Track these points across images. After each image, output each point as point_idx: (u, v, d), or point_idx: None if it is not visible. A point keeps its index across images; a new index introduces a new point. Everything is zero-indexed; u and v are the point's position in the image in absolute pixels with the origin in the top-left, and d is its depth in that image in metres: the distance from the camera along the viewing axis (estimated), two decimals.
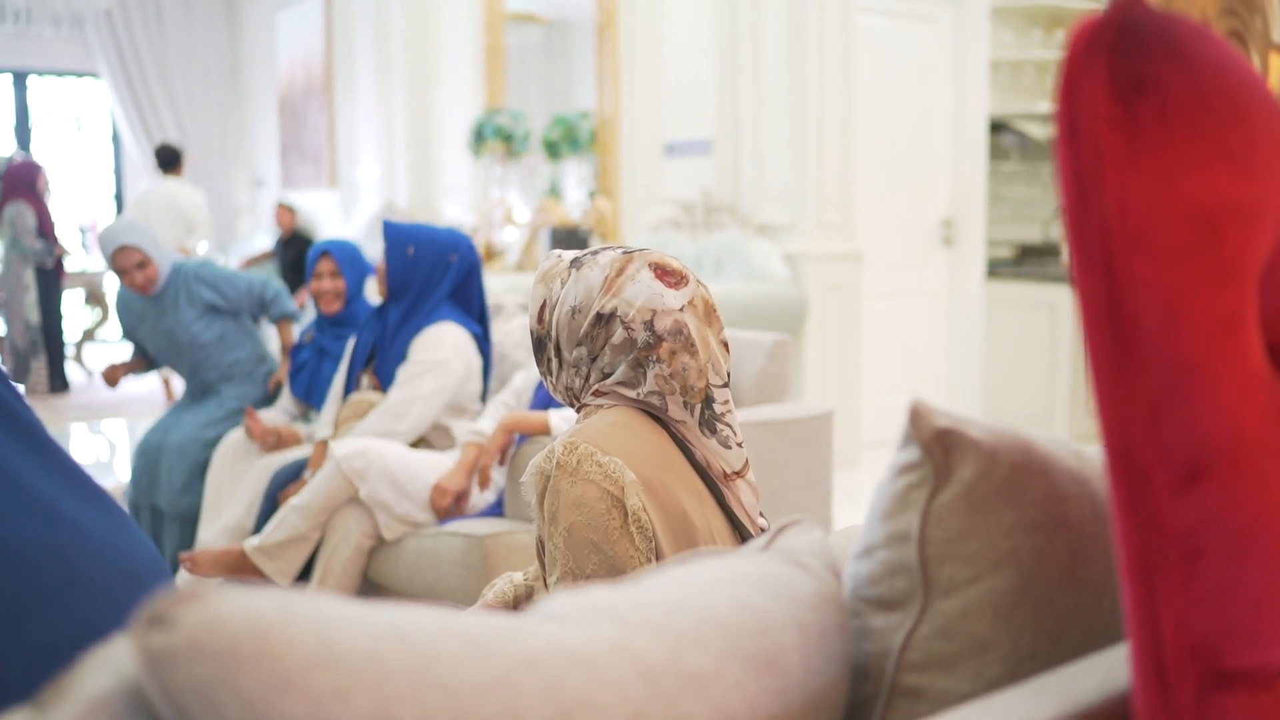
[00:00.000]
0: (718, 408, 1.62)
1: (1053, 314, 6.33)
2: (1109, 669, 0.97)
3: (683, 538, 1.53)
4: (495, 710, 0.77)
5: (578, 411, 1.68)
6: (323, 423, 3.60)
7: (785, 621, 0.97)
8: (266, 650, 0.73)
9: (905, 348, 6.41)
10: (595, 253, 1.65)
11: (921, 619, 1.06)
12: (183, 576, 3.29)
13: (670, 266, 1.63)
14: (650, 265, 1.62)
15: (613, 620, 0.89)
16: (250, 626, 0.74)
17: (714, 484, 1.61)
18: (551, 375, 1.69)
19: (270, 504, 3.52)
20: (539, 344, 1.68)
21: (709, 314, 1.63)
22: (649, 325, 1.58)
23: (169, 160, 7.96)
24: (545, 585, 1.66)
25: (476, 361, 3.51)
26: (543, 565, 1.64)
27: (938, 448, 1.05)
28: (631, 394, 1.60)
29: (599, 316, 1.60)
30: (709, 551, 1.10)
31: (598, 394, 1.63)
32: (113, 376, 4.19)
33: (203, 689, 0.72)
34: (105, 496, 1.20)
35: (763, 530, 1.66)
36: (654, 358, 1.58)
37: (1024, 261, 7.17)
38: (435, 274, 3.49)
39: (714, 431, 1.61)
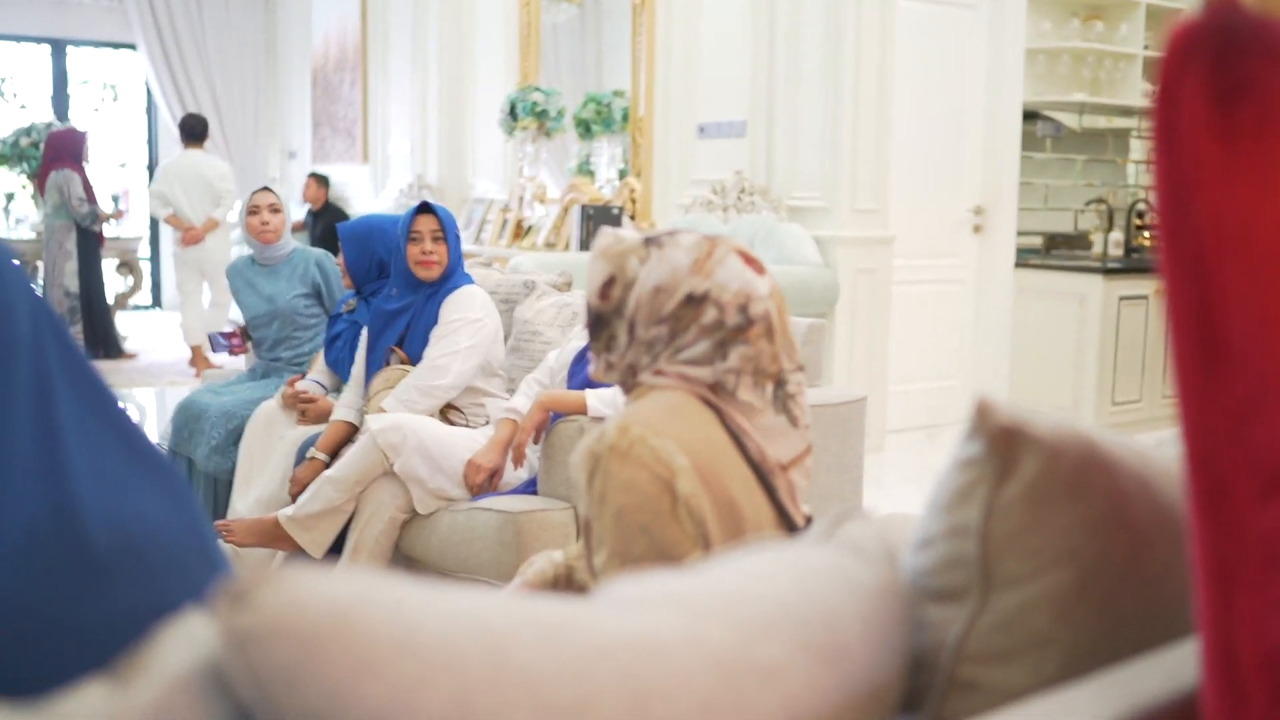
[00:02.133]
0: (791, 388, 1.66)
1: (1082, 304, 6.29)
2: (1171, 668, 0.97)
3: (731, 525, 1.54)
4: (571, 698, 0.77)
5: (627, 392, 1.69)
6: (342, 403, 3.62)
7: (850, 612, 0.97)
8: (347, 634, 0.74)
9: (932, 335, 6.40)
10: (672, 234, 1.67)
11: (980, 612, 1.06)
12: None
13: (751, 255, 1.67)
14: (736, 252, 1.65)
15: (682, 609, 0.89)
16: (330, 610, 0.75)
17: (763, 474, 1.61)
18: (609, 352, 1.68)
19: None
20: (600, 320, 1.67)
21: (782, 302, 1.68)
22: (743, 309, 1.61)
23: (197, 131, 7.95)
24: (589, 566, 1.66)
25: (499, 326, 3.58)
26: (588, 545, 1.65)
27: (1002, 443, 1.05)
28: (702, 373, 1.61)
29: (689, 297, 1.62)
30: (770, 541, 1.11)
31: (659, 373, 1.63)
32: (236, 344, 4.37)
33: (284, 670, 0.73)
34: (173, 474, 1.21)
35: (808, 519, 1.67)
36: (742, 339, 1.61)
37: (1053, 251, 7.13)
38: (459, 247, 3.61)
39: (785, 410, 1.64)
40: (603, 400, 2.93)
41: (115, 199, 11.07)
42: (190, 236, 7.69)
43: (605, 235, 1.70)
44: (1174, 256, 0.76)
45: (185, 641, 0.81)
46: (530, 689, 0.77)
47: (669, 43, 6.44)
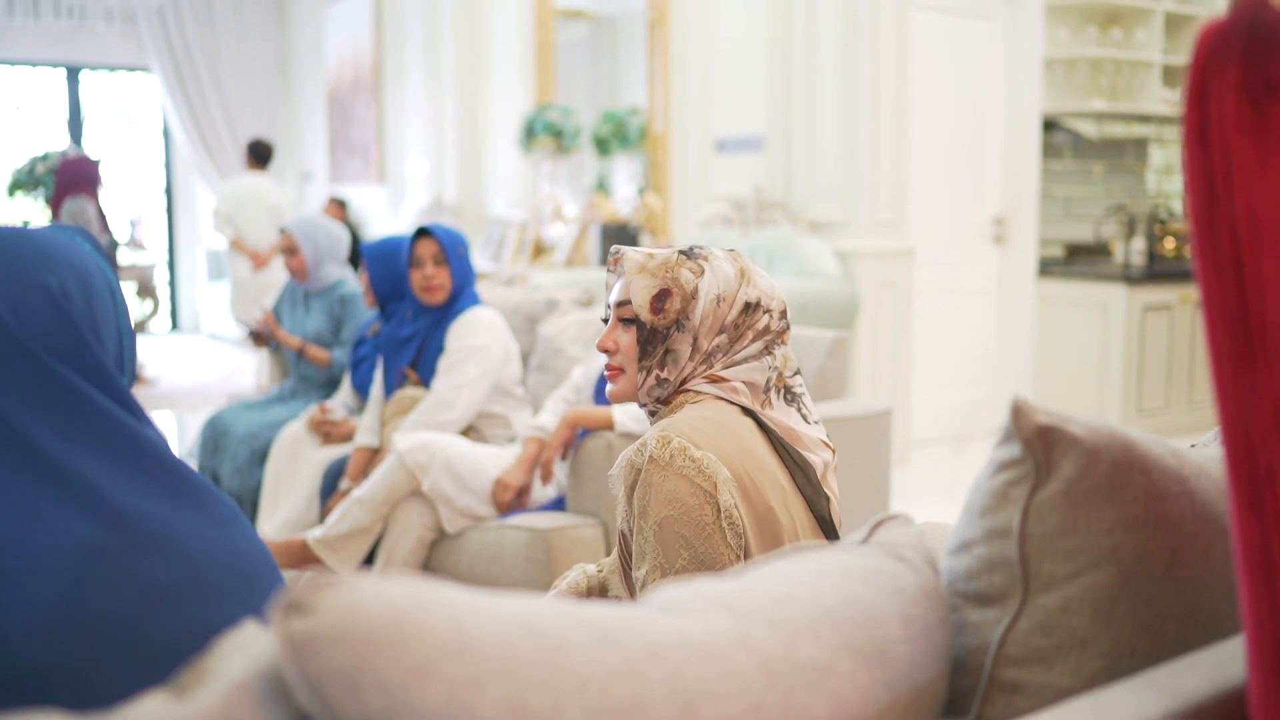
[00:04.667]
0: (796, 389, 1.72)
1: (1105, 314, 6.28)
2: (1216, 665, 0.97)
3: (769, 536, 1.54)
4: (623, 698, 0.78)
5: (661, 403, 1.69)
6: (363, 428, 3.61)
7: (891, 615, 0.98)
8: (404, 637, 0.75)
9: (955, 346, 6.39)
10: (697, 247, 1.70)
11: (1021, 614, 1.06)
12: None
13: None
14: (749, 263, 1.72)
15: (728, 611, 0.90)
16: (387, 613, 0.76)
17: (807, 475, 1.63)
18: (663, 369, 1.66)
19: (326, 499, 3.57)
20: (655, 336, 1.65)
21: None
22: (783, 314, 1.70)
23: (265, 155, 8.01)
24: (624, 578, 1.67)
25: (513, 344, 3.55)
26: (623, 557, 1.65)
27: (1040, 444, 1.06)
28: (757, 375, 1.66)
29: (747, 305, 1.67)
30: (809, 545, 1.12)
31: (713, 379, 1.65)
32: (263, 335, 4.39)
33: (343, 674, 0.74)
34: (220, 498, 1.23)
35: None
36: (780, 341, 1.70)
37: (1074, 260, 7.12)
38: (469, 265, 3.57)
39: (797, 409, 1.70)
40: (630, 416, 2.93)
41: (132, 225, 11.15)
42: (261, 261, 7.74)
43: (630, 251, 1.70)
44: (1209, 252, 0.77)
45: (244, 650, 0.83)
46: (583, 689, 0.78)
47: (685, 58, 6.46)
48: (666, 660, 0.82)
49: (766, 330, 1.68)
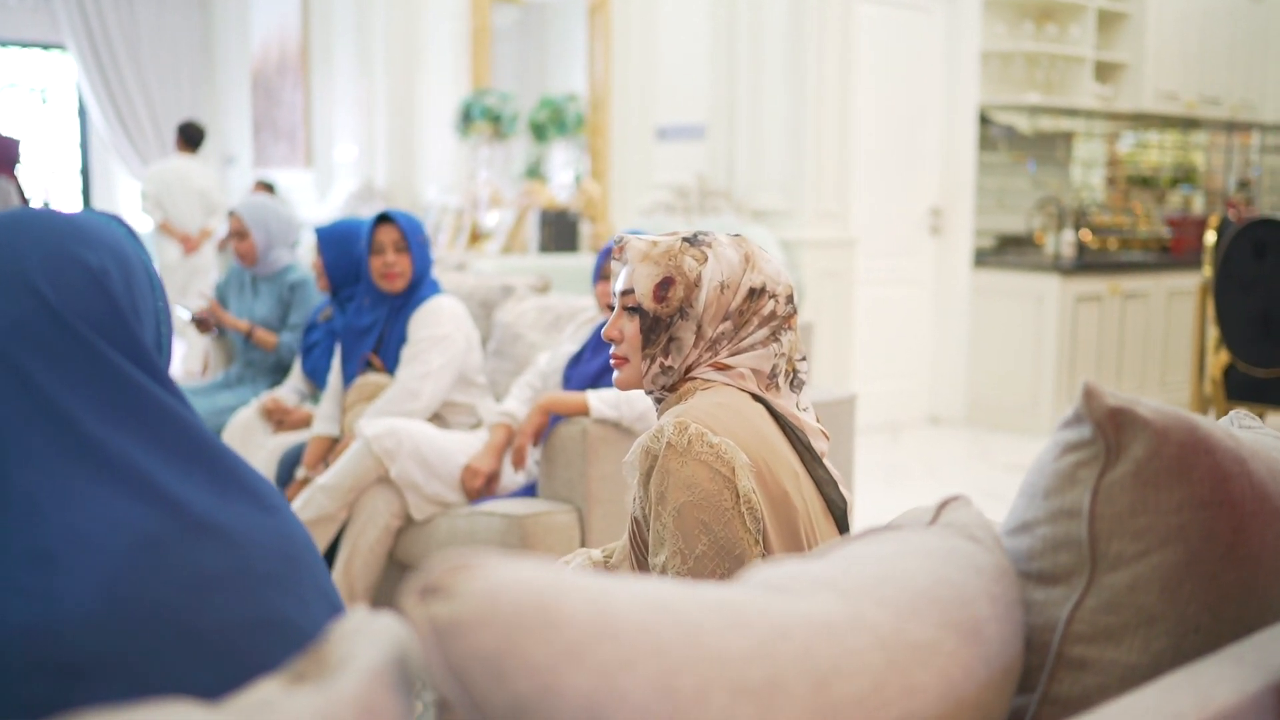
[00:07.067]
0: (802, 375, 1.73)
1: (1039, 304, 6.40)
2: None
3: (785, 521, 1.55)
4: (761, 679, 0.79)
5: (668, 390, 1.68)
6: (321, 416, 3.56)
7: (978, 594, 1.00)
8: (551, 621, 0.74)
9: (893, 335, 6.47)
10: (701, 233, 1.69)
11: (1088, 592, 1.08)
12: None
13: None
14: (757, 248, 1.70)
15: (836, 592, 0.91)
16: (531, 597, 0.75)
17: (815, 458, 1.64)
18: (667, 356, 1.66)
19: (282, 488, 3.51)
20: (658, 324, 1.65)
21: None
22: (790, 299, 1.69)
23: (196, 138, 7.83)
24: (635, 565, 1.67)
25: (474, 332, 3.52)
26: (635, 543, 1.65)
27: (1110, 426, 1.08)
28: (763, 362, 1.66)
29: (751, 291, 1.65)
30: (881, 528, 1.12)
31: (719, 366, 1.65)
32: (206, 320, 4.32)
33: (489, 658, 0.73)
34: (264, 483, 1.21)
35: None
36: (788, 326, 1.68)
37: (1005, 251, 7.24)
38: (428, 253, 3.53)
39: (798, 395, 1.71)
40: (605, 401, 2.92)
41: (45, 205, 10.85)
42: (192, 245, 7.57)
43: (633, 239, 1.69)
44: None
45: (368, 636, 0.81)
46: (725, 671, 0.78)
47: (626, 44, 6.45)
48: (796, 640, 0.82)
49: (772, 316, 1.67)
